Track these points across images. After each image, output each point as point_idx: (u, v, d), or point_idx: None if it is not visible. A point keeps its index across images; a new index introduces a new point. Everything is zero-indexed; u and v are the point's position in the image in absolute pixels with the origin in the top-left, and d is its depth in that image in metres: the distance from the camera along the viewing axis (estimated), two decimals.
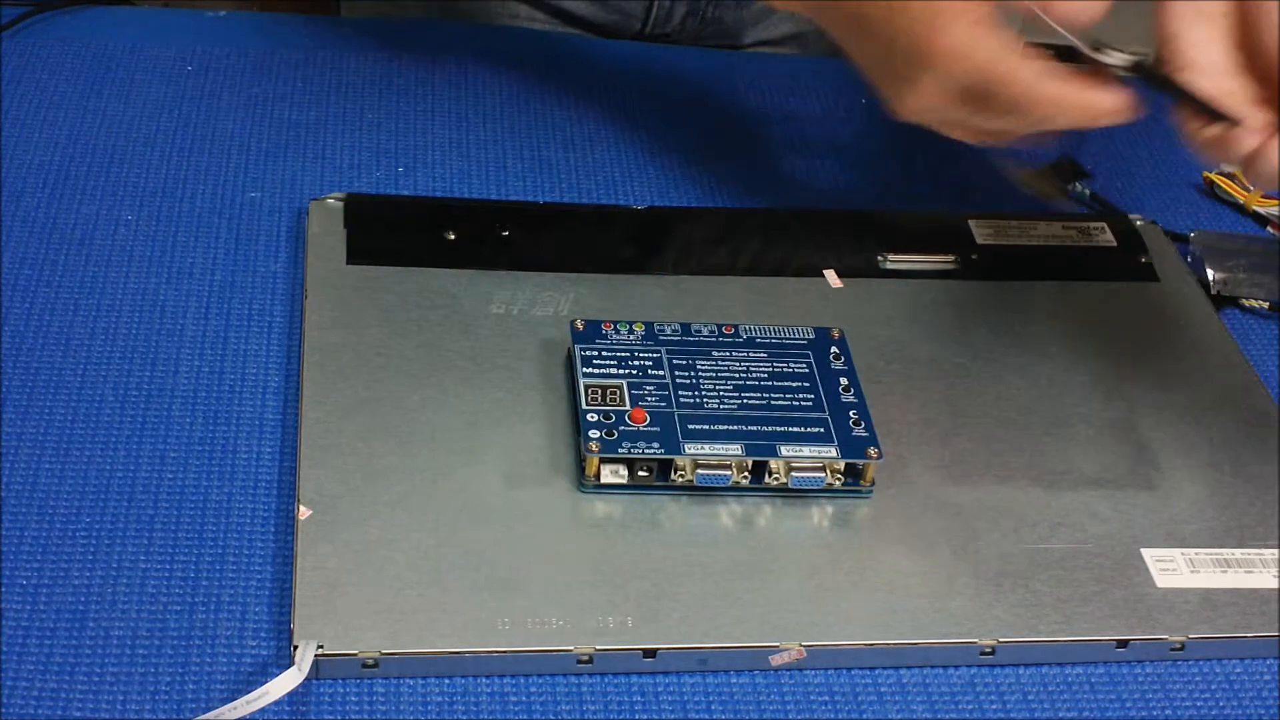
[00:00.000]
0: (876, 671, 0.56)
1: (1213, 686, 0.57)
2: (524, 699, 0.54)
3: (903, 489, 0.61)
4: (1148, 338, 0.71)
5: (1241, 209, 0.83)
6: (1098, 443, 0.65)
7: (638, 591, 0.56)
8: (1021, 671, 0.57)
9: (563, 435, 0.61)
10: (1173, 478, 0.64)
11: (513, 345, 0.66)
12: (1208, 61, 0.59)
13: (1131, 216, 0.78)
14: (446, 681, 0.54)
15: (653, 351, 0.63)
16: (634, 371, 0.62)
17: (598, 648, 0.54)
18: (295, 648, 0.52)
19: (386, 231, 0.71)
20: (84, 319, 0.66)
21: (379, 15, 0.97)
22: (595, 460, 0.59)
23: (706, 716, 0.54)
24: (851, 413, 0.61)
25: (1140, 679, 0.57)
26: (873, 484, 0.60)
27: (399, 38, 0.88)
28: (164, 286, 0.69)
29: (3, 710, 0.51)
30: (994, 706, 0.55)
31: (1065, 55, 0.60)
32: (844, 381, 0.63)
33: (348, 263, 0.69)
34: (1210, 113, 0.59)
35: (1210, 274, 0.75)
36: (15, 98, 0.80)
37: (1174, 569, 0.60)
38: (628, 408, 0.60)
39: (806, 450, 0.59)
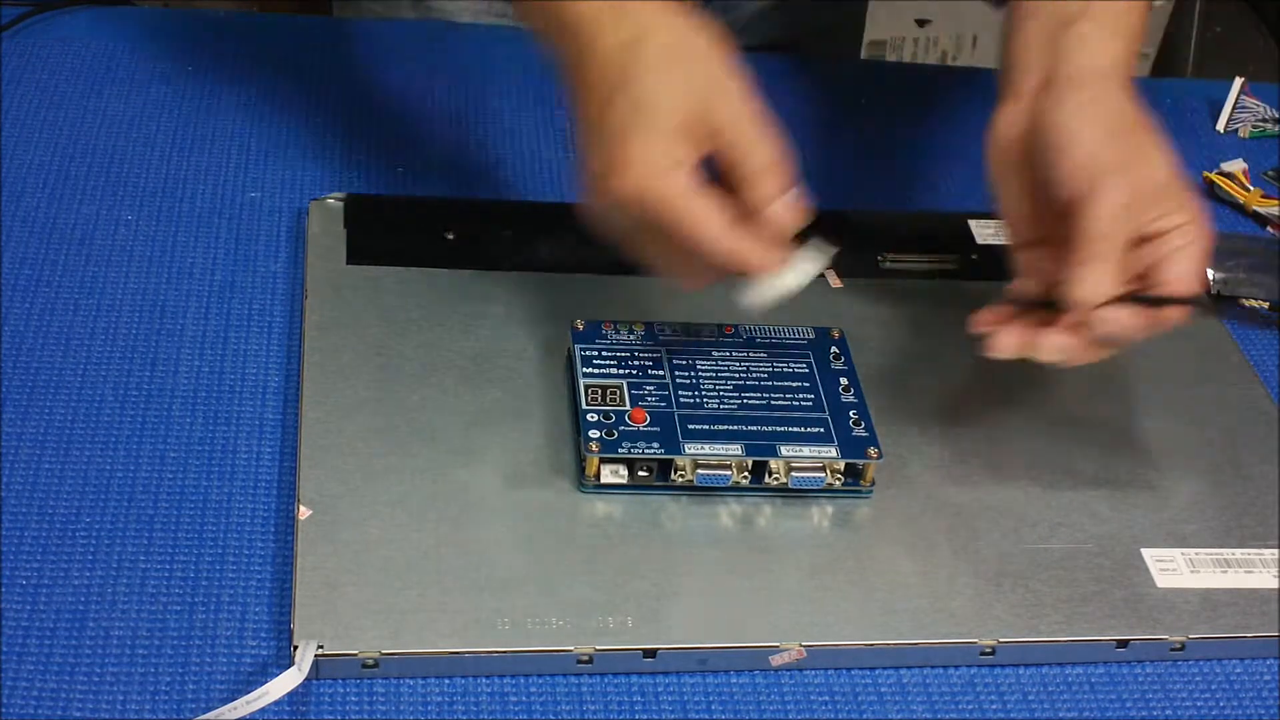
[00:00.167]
0: (876, 671, 0.56)
1: (1213, 686, 0.57)
2: (524, 699, 0.53)
3: (903, 489, 0.61)
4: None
5: (1241, 209, 0.83)
6: (1098, 443, 0.65)
7: (638, 591, 0.56)
8: (1021, 671, 0.57)
9: (563, 435, 0.61)
10: (1173, 478, 0.64)
11: (513, 345, 0.66)
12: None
13: None
14: (446, 681, 0.54)
15: (653, 351, 0.63)
16: (634, 371, 0.62)
17: (598, 648, 0.54)
18: (295, 648, 0.52)
19: (386, 231, 0.71)
20: (84, 319, 0.66)
21: (374, 17, 0.96)
22: (595, 460, 0.59)
23: (706, 716, 0.54)
24: (851, 413, 0.61)
25: (1140, 679, 0.57)
26: (873, 484, 0.60)
27: (399, 38, 0.88)
28: (164, 286, 0.69)
29: (3, 710, 0.51)
30: (994, 706, 0.55)
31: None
32: (844, 381, 0.63)
33: (348, 263, 0.69)
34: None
35: (1210, 274, 0.74)
36: (15, 98, 0.79)
37: (1174, 569, 0.60)
38: (628, 408, 0.60)
39: (806, 450, 0.59)
